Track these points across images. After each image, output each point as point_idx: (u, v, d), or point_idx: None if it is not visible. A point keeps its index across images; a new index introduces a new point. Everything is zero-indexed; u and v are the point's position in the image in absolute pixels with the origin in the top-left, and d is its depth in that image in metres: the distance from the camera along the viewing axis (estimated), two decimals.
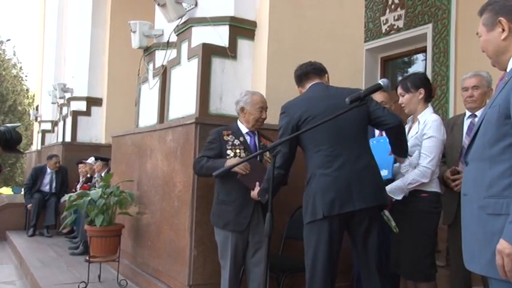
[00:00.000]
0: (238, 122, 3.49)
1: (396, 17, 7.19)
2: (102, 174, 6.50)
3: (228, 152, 3.34)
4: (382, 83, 2.59)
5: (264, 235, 3.10)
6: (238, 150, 3.34)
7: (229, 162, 3.18)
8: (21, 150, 1.65)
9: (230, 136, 3.40)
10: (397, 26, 7.15)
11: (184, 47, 4.37)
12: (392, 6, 7.29)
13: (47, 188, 8.30)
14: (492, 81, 3.65)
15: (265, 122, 3.64)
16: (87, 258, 4.56)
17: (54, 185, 8.32)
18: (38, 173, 8.38)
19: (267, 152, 3.18)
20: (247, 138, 3.44)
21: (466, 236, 1.96)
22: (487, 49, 1.98)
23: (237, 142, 3.38)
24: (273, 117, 3.91)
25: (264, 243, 3.21)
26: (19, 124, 1.86)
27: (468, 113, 3.53)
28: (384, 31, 7.38)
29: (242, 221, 3.28)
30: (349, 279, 4.03)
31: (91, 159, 7.47)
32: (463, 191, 2.00)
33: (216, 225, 3.42)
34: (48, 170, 8.35)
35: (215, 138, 3.41)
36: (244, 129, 3.46)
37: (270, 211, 2.53)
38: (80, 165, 7.85)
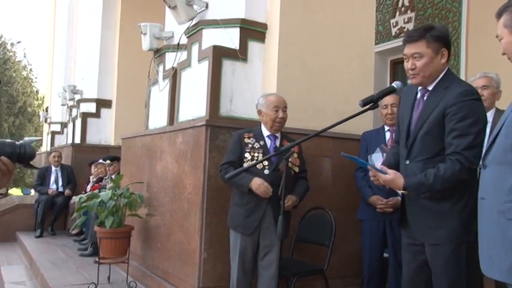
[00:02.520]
0: (262, 126, 3.47)
1: (406, 20, 7.15)
2: (113, 176, 6.51)
3: (246, 154, 3.34)
4: (395, 86, 2.58)
5: (274, 239, 3.15)
6: (256, 154, 3.33)
7: (255, 182, 3.17)
8: (35, 166, 1.61)
9: (251, 139, 3.38)
10: (407, 29, 7.10)
11: (195, 49, 4.38)
12: (403, 9, 7.25)
13: (53, 187, 8.34)
14: (501, 83, 3.65)
15: None
16: (97, 259, 4.56)
17: (60, 183, 8.36)
18: (44, 172, 8.46)
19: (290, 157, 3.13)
20: (268, 141, 3.41)
21: (484, 241, 1.93)
22: (510, 51, 1.94)
23: (257, 145, 3.37)
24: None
25: (274, 247, 3.22)
26: (38, 138, 1.84)
27: None
28: (393, 34, 7.35)
29: (250, 225, 3.28)
30: (359, 282, 4.02)
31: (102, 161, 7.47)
32: (481, 195, 1.96)
33: (229, 226, 3.46)
34: (53, 168, 8.42)
35: (236, 141, 3.41)
36: (266, 132, 3.43)
37: (282, 214, 2.52)
38: (93, 166, 7.85)
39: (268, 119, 3.38)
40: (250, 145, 3.35)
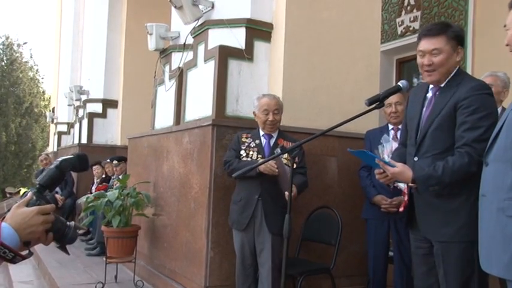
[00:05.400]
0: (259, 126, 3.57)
1: (412, 19, 7.14)
2: (120, 176, 6.52)
3: (242, 152, 3.47)
4: (401, 85, 2.58)
5: (266, 236, 3.29)
6: (251, 152, 3.45)
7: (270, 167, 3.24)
8: (67, 251, 1.50)
9: (248, 139, 3.51)
10: (413, 28, 7.09)
11: (201, 49, 4.39)
12: (408, 8, 7.23)
13: (56, 189, 8.37)
14: (510, 83, 3.64)
15: (281, 124, 3.63)
16: (104, 259, 4.59)
17: None
18: (39, 175, 8.50)
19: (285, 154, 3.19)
20: (263, 140, 3.51)
21: (484, 237, 1.95)
22: None
23: (252, 144, 3.48)
24: (289, 120, 3.92)
25: (266, 244, 3.32)
26: (85, 229, 1.78)
27: None
28: (399, 33, 7.33)
29: (243, 221, 3.39)
30: (365, 281, 4.02)
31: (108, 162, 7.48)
32: (482, 192, 1.98)
33: (229, 224, 3.57)
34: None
35: (234, 141, 3.56)
36: (261, 132, 3.54)
37: (289, 213, 2.53)
38: (94, 167, 7.89)
39: (259, 121, 3.49)
40: (246, 144, 3.48)
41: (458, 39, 2.43)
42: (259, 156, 3.41)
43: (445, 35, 2.39)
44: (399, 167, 2.39)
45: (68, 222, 1.44)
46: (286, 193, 3.09)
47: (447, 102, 2.37)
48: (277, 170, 3.18)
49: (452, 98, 2.36)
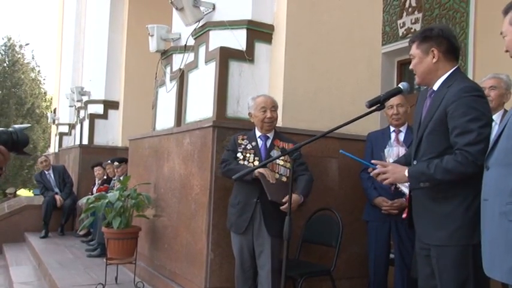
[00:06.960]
0: (255, 127, 3.55)
1: (413, 20, 7.14)
2: (121, 178, 6.53)
3: (238, 154, 3.45)
4: (402, 87, 2.58)
5: (266, 238, 3.27)
6: (248, 154, 3.43)
7: (258, 170, 3.20)
8: (28, 152, 1.51)
9: (245, 140, 3.49)
10: (414, 30, 7.09)
11: (202, 50, 4.39)
12: (410, 9, 7.23)
13: (56, 190, 8.38)
14: None
15: (282, 125, 3.63)
16: (105, 260, 4.59)
17: (54, 183, 8.41)
18: (38, 178, 8.54)
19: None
20: (260, 142, 3.50)
21: (486, 242, 1.93)
22: None
23: (249, 146, 3.46)
24: (290, 121, 3.93)
25: (265, 246, 3.30)
26: (28, 125, 1.75)
27: None
28: (400, 34, 7.33)
29: (241, 224, 3.37)
30: (365, 283, 4.01)
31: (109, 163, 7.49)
32: (484, 196, 1.96)
33: (227, 226, 3.56)
34: (46, 172, 8.48)
35: (231, 143, 3.55)
36: (258, 133, 3.52)
37: (289, 215, 2.53)
38: (95, 168, 7.91)
39: (257, 120, 3.47)
40: (243, 146, 3.46)
41: (430, 41, 2.42)
42: (256, 158, 3.40)
43: (417, 40, 2.47)
44: (389, 165, 2.47)
45: (9, 129, 1.45)
46: (286, 198, 3.01)
47: (438, 106, 2.36)
48: (273, 181, 3.18)
49: (442, 102, 2.35)
